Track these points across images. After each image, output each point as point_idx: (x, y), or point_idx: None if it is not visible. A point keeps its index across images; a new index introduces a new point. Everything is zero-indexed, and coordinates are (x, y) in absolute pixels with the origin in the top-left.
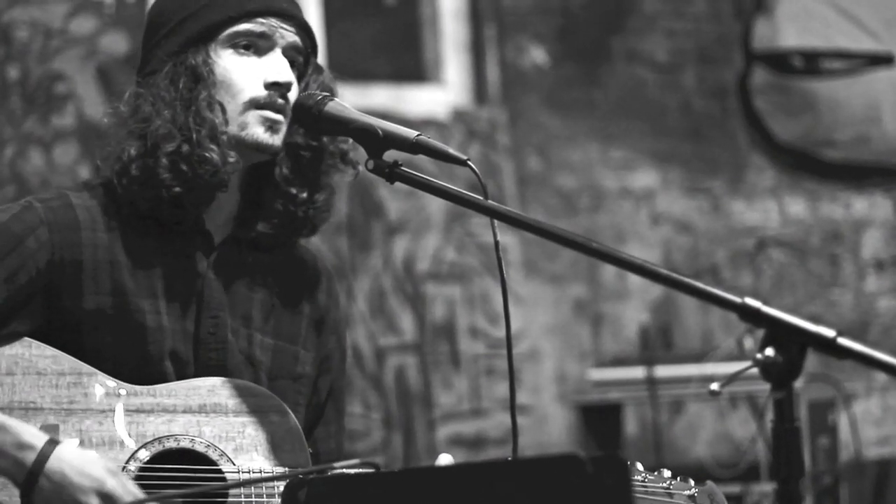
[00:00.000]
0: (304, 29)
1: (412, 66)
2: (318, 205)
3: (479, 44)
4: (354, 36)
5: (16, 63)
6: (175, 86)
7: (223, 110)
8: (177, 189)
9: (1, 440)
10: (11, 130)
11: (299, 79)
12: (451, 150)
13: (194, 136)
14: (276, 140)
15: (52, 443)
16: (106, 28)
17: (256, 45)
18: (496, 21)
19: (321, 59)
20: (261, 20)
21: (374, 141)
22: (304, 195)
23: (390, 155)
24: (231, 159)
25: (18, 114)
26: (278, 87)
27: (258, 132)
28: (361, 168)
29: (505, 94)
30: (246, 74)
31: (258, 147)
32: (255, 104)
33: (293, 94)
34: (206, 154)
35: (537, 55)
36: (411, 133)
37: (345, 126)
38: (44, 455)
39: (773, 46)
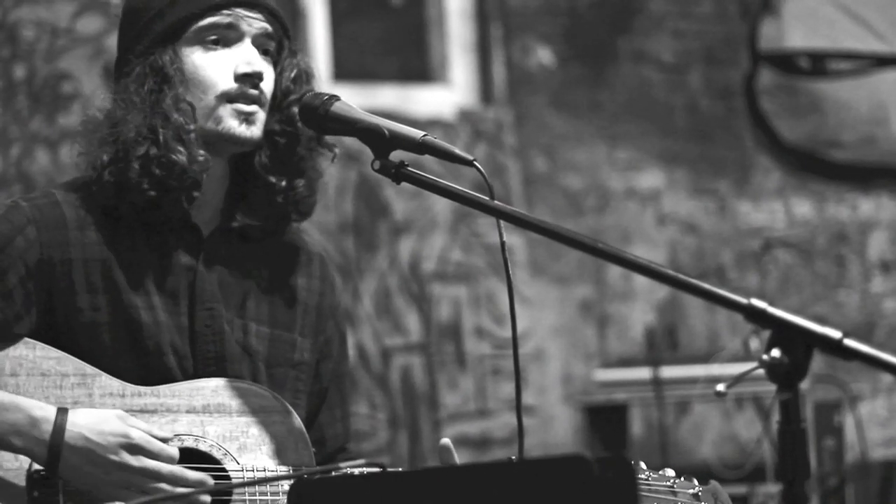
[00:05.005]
0: (273, 14)
1: (418, 66)
2: (298, 190)
3: (486, 44)
4: (360, 36)
5: (22, 62)
6: (143, 88)
7: (192, 109)
8: (151, 193)
9: (14, 419)
10: (18, 130)
11: (275, 65)
12: (457, 151)
13: (161, 138)
14: (254, 131)
15: (63, 411)
16: (112, 28)
17: (225, 38)
18: (502, 21)
19: (327, 59)
20: (226, 11)
21: (381, 141)
22: (283, 183)
23: (396, 155)
24: (200, 158)
25: (25, 113)
26: (249, 78)
27: (233, 125)
28: (339, 150)
29: (511, 94)
30: (216, 69)
31: (234, 140)
32: (227, 98)
33: (267, 83)
34: (173, 156)
35: (543, 55)
36: (417, 133)
37: (351, 126)
38: (59, 427)
39: (780, 47)
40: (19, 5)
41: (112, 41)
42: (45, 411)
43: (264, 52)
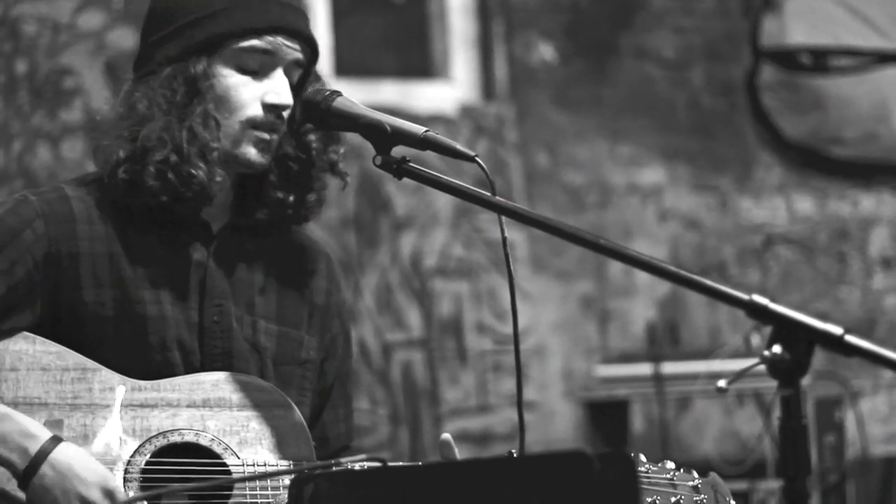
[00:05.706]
0: (309, 44)
1: (420, 62)
2: (308, 204)
3: (487, 40)
4: (362, 32)
5: (24, 58)
6: (172, 93)
7: (218, 126)
8: (163, 198)
9: (7, 429)
10: (19, 125)
11: (297, 89)
12: (459, 146)
13: (185, 149)
14: (267, 158)
15: (57, 439)
16: (114, 23)
17: (261, 64)
18: (504, 17)
19: (329, 56)
20: (268, 38)
21: (382, 137)
22: (292, 199)
23: (398, 151)
24: (218, 178)
25: (26, 108)
26: (275, 109)
27: (250, 152)
28: (349, 178)
29: (513, 90)
30: (246, 94)
31: (247, 165)
32: (251, 124)
33: (287, 111)
34: (194, 171)
35: (545, 51)
36: (419, 129)
37: (353, 122)
38: (48, 446)
39: (782, 44)
40: (21, 1)
41: (113, 37)
42: (41, 431)
43: (290, 79)
